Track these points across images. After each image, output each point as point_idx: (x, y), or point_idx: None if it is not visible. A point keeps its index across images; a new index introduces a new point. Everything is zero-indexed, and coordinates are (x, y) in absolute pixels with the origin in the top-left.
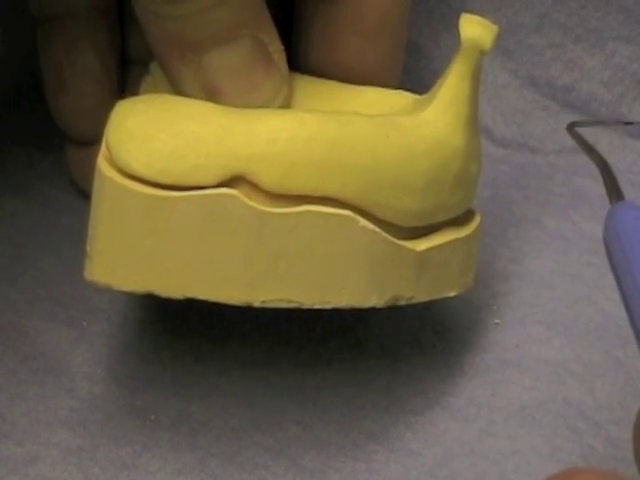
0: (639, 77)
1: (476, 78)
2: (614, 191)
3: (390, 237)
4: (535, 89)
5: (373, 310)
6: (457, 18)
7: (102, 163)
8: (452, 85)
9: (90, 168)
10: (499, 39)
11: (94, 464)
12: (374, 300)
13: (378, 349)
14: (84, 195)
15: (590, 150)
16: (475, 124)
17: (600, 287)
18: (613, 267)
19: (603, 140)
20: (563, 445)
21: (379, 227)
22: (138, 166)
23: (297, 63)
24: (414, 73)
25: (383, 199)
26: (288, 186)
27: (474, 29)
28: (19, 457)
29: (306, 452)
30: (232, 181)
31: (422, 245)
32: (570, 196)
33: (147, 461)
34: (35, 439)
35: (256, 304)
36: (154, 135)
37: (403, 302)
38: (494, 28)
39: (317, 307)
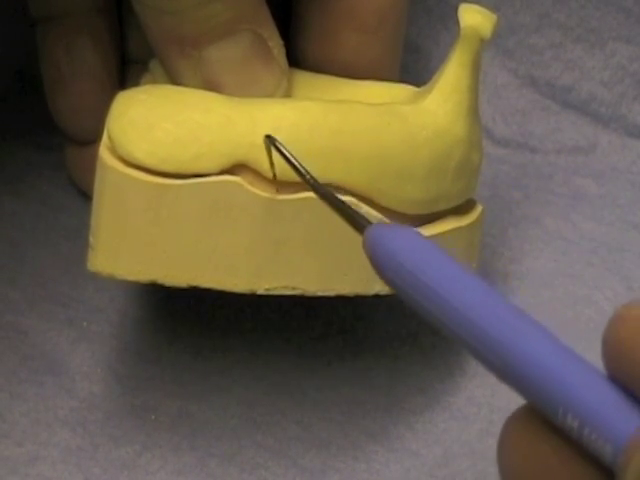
0: (639, 77)
1: (477, 66)
2: (359, 218)
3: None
4: (535, 89)
5: (373, 309)
6: (456, 17)
7: (104, 153)
8: (453, 73)
9: (89, 168)
10: (499, 39)
11: (94, 464)
12: (377, 287)
13: (378, 349)
14: (83, 195)
15: (314, 182)
16: (476, 113)
17: (600, 287)
18: (403, 291)
19: (603, 140)
20: None
21: (382, 214)
22: (141, 155)
23: (296, 59)
24: (414, 73)
25: (386, 187)
26: (290, 173)
27: (474, 17)
28: (19, 457)
29: (306, 452)
30: (235, 169)
31: (425, 233)
32: (570, 196)
33: (147, 461)
34: (35, 439)
35: (260, 291)
36: (156, 124)
37: None
38: (493, 16)
39: (321, 294)
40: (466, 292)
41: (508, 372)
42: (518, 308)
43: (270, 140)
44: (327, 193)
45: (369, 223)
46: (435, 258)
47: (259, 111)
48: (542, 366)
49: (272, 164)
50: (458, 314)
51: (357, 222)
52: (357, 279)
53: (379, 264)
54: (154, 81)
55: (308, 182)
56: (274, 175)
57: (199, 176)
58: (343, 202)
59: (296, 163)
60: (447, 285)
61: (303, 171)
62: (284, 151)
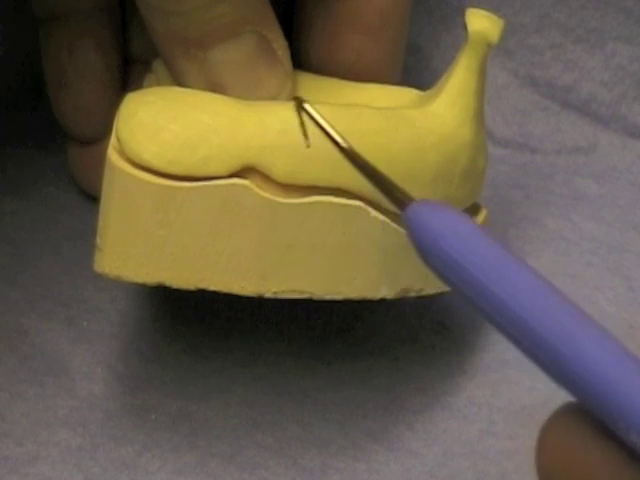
0: (639, 77)
1: (483, 71)
2: (399, 194)
3: (400, 228)
4: (535, 89)
5: (373, 309)
6: (457, 18)
7: (112, 154)
8: (460, 78)
9: (91, 167)
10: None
11: (94, 464)
12: (384, 291)
13: (378, 348)
14: (84, 195)
15: (349, 150)
16: (482, 117)
17: (600, 287)
18: (450, 280)
19: (603, 140)
20: None
21: (389, 218)
22: (149, 157)
23: (298, 60)
24: (414, 73)
25: None
26: (299, 177)
27: (481, 22)
28: (19, 457)
29: (306, 452)
30: (243, 172)
31: None
32: (570, 196)
33: (147, 461)
34: (35, 439)
35: (268, 295)
36: (165, 126)
37: (413, 294)
38: (500, 21)
39: (328, 298)
40: (520, 289)
41: (564, 378)
42: (580, 309)
43: (299, 103)
44: (363, 163)
45: (410, 200)
46: (484, 247)
47: (268, 114)
48: (604, 378)
49: (302, 123)
50: (511, 314)
51: (397, 198)
52: (365, 283)
53: (421, 248)
54: (158, 81)
55: (343, 149)
56: (305, 135)
57: (208, 179)
58: (382, 174)
59: (329, 129)
60: (498, 280)
61: (337, 138)
62: (315, 116)
